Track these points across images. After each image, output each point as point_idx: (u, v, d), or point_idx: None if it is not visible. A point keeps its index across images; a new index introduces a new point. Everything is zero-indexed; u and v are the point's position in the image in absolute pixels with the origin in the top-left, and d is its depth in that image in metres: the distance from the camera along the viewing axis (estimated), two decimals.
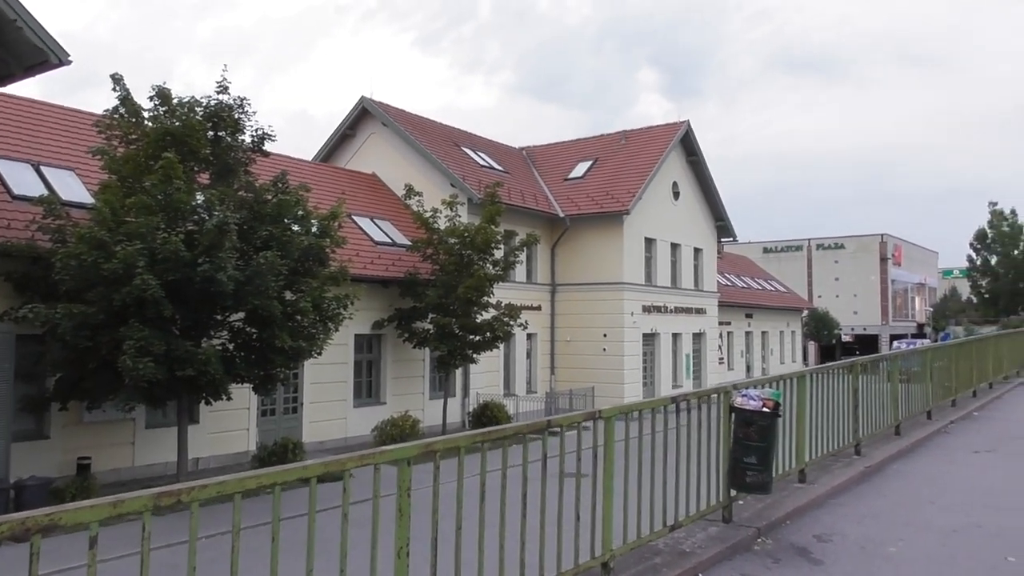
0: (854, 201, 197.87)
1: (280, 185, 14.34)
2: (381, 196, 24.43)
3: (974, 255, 51.79)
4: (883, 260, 58.24)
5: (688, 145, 30.66)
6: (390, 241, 21.67)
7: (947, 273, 75.39)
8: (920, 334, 58.74)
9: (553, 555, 4.50)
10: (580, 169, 29.96)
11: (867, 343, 54.76)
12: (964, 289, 62.00)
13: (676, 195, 30.10)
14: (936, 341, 35.40)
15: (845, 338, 55.98)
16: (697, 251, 31.42)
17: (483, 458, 4.05)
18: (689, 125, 30.16)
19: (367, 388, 20.57)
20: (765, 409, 5.89)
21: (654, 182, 28.14)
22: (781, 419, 6.21)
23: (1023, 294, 46.92)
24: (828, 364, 9.13)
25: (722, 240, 34.96)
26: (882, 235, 59.05)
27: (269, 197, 14.03)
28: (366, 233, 21.34)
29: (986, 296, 50.89)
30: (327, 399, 18.99)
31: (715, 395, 6.17)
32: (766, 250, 62.16)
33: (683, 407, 5.73)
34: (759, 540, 5.90)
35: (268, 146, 14.84)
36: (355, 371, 20.01)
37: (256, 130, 14.36)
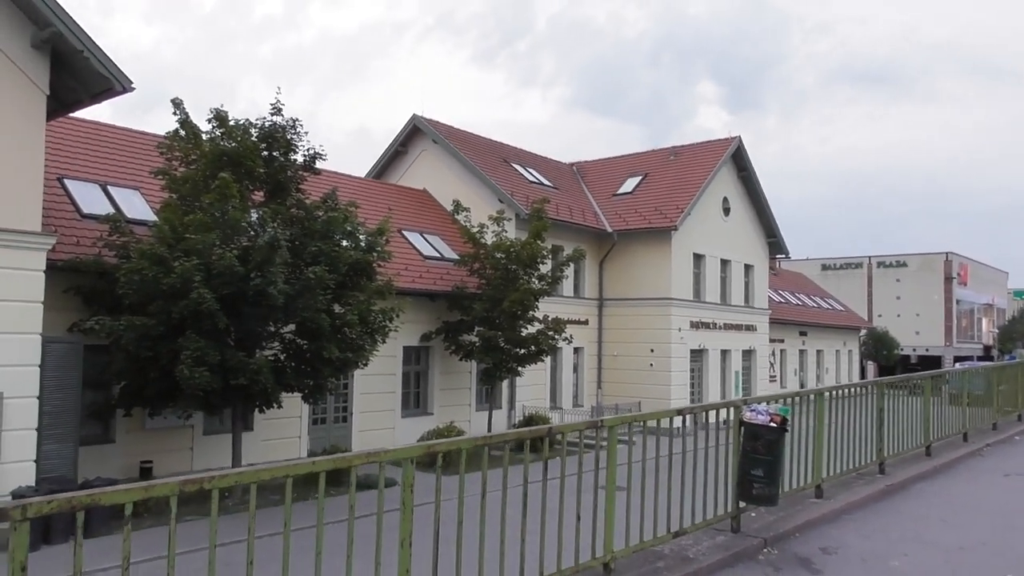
0: (919, 217, 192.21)
1: (329, 202, 14.98)
2: (431, 211, 25.06)
3: None
4: (948, 279, 56.56)
5: (740, 161, 30.57)
6: (439, 255, 22.23)
7: (1018, 294, 72.67)
8: (987, 356, 56.75)
9: (554, 553, 4.81)
10: (629, 184, 30.15)
11: (930, 364, 53.18)
12: None
13: (727, 211, 30.01)
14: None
15: (912, 360, 54.45)
16: (748, 267, 31.22)
17: (484, 459, 4.40)
18: (740, 141, 30.08)
19: (415, 399, 21.10)
20: (772, 424, 6.10)
21: (704, 198, 28.15)
22: (789, 434, 6.39)
23: None
24: (853, 383, 9.20)
25: (776, 257, 34.66)
26: (947, 253, 57.38)
27: (319, 214, 14.66)
28: (415, 248, 21.94)
29: None
30: (376, 409, 19.56)
31: (725, 409, 6.40)
32: (824, 267, 61.02)
33: (689, 419, 5.98)
34: (764, 550, 6.09)
35: (320, 164, 15.52)
36: (403, 382, 20.56)
37: (308, 149, 15.03)
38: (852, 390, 8.69)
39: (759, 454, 6.11)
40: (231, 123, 14.22)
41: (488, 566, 4.35)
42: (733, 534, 6.26)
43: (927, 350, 55.49)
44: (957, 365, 46.37)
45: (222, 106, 14.32)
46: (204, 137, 14.20)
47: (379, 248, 15.31)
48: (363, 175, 26.98)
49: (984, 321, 63.31)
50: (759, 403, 6.34)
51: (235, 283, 12.47)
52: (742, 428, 6.21)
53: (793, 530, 6.58)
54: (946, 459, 9.85)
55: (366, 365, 15.41)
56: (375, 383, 19.25)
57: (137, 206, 15.75)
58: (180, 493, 3.31)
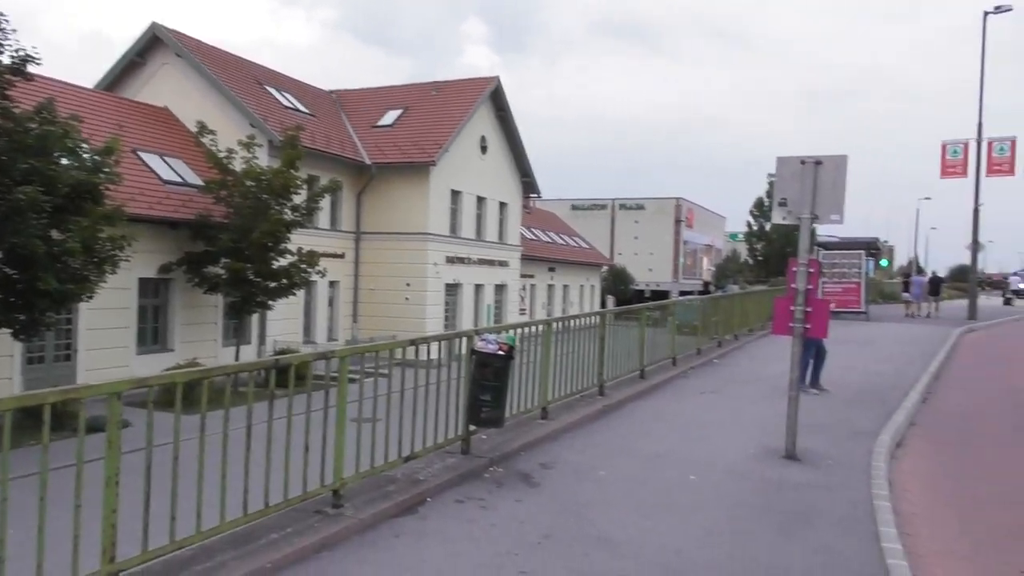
0: (660, 166, 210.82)
1: (45, 114, 13.24)
2: (173, 132, 23.02)
3: (752, 221, 57.39)
4: (677, 222, 62.74)
5: (498, 101, 31.29)
6: (181, 180, 20.60)
7: (733, 236, 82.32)
8: (705, 291, 64.14)
9: (280, 484, 4.83)
10: (390, 117, 29.78)
11: (660, 297, 59.07)
12: (745, 251, 68.09)
13: (484, 149, 30.75)
14: None
15: (646, 294, 60.03)
16: (502, 205, 32.39)
17: (204, 393, 4.26)
18: (499, 81, 30.76)
19: (153, 334, 19.68)
20: (500, 352, 6.50)
21: (462, 135, 28.58)
22: (516, 361, 6.87)
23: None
24: (577, 314, 10.02)
25: (529, 196, 36.25)
26: (677, 199, 63.51)
27: (32, 126, 12.93)
28: (154, 171, 20.14)
29: (760, 258, 56.54)
30: (106, 345, 17.96)
31: (458, 339, 6.71)
32: (574, 207, 64.90)
33: (444, 352, 6.22)
34: (490, 469, 6.57)
35: (35, 69, 13.62)
36: (140, 317, 19.06)
37: (17, 50, 13.13)
38: (579, 321, 9.49)
39: (488, 380, 6.50)
40: None
41: (208, 501, 4.27)
42: (463, 456, 6.67)
43: (658, 285, 61.48)
44: (680, 298, 52.14)
45: None
46: None
47: (107, 169, 13.90)
48: (91, 87, 24.03)
49: (705, 260, 71.38)
50: (490, 333, 6.72)
51: None
52: (473, 356, 6.56)
53: (518, 449, 7.14)
54: (657, 381, 11.15)
55: (91, 298, 14.12)
56: (105, 318, 17.65)
57: None
58: None
